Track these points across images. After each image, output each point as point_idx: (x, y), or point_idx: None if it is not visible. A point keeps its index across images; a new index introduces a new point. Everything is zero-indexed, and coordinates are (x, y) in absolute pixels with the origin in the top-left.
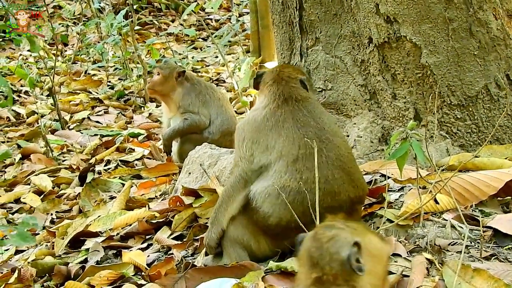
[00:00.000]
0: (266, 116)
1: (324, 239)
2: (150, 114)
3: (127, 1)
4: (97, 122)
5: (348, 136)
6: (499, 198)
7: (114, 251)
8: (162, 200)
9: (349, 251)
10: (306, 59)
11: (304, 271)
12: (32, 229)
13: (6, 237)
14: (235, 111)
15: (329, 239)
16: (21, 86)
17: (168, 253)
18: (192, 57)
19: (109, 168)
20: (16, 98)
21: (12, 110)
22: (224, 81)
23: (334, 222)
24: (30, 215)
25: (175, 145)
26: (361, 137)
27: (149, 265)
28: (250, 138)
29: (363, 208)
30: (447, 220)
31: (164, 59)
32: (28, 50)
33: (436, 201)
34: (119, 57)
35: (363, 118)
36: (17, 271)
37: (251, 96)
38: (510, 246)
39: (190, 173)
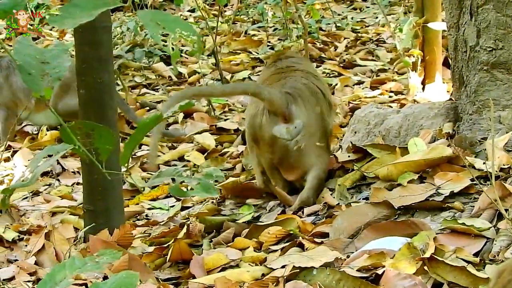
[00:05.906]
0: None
1: None
2: None
3: None
4: None
5: None
6: None
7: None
8: None
9: None
10: (476, 18)
11: None
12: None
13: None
14: (396, 72)
15: None
16: (182, 46)
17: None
18: (352, 18)
19: None
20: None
21: (172, 69)
22: (384, 42)
23: None
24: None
25: None
26: None
27: None
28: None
29: None
30: None
31: None
32: (188, 11)
33: None
34: (279, 17)
35: None
36: (185, 227)
37: (414, 57)
38: None
39: (356, 132)
